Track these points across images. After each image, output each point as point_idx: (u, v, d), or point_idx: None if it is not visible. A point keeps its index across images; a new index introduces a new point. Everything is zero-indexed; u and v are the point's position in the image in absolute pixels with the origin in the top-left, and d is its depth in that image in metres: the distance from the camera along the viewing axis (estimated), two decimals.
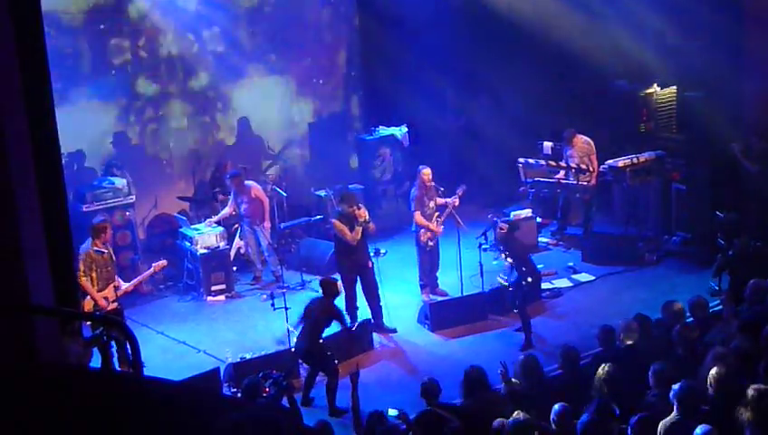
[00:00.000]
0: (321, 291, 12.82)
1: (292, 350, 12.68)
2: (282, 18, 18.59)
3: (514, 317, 14.29)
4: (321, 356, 12.39)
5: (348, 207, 14.03)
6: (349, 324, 13.22)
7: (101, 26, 16.78)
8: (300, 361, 13.10)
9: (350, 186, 17.76)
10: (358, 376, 10.53)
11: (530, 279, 13.78)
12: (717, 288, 13.11)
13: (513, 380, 9.94)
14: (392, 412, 9.69)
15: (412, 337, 14.18)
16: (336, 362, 12.41)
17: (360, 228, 13.91)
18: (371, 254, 14.23)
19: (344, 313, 13.08)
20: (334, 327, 12.84)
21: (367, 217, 14.02)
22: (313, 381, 12.55)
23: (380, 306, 14.28)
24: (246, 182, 16.18)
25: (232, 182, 16.11)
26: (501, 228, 14.07)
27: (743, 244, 12.82)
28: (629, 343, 10.54)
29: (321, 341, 12.50)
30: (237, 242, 16.47)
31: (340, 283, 13.15)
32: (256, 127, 18.63)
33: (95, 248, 12.81)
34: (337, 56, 19.47)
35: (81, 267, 12.52)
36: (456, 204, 14.98)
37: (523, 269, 13.81)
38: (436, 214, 14.95)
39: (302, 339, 12.52)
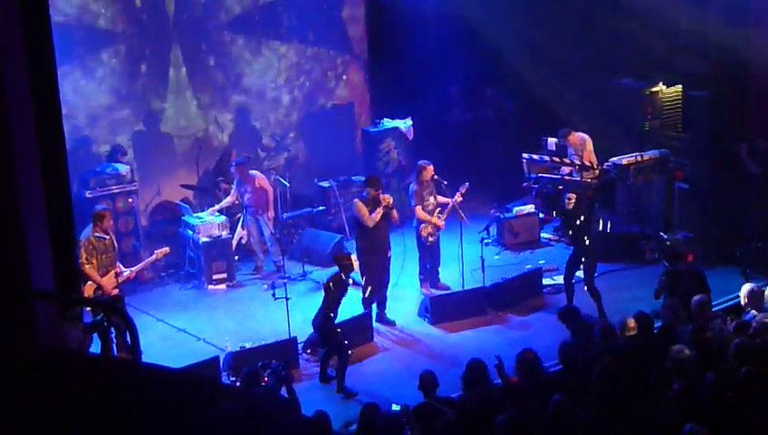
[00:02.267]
0: (337, 266, 12.94)
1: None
2: (289, 10, 18.60)
3: (514, 312, 14.38)
4: (332, 335, 12.54)
5: (374, 190, 14.09)
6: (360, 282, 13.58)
7: (102, 10, 16.77)
8: (305, 349, 13.23)
9: (352, 177, 17.78)
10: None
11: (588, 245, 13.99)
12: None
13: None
14: (395, 408, 9.72)
15: (412, 330, 14.20)
16: (347, 342, 12.57)
17: (381, 211, 13.94)
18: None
19: (356, 278, 13.25)
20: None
21: (391, 203, 14.06)
22: (329, 359, 12.70)
23: (386, 297, 14.36)
24: (251, 172, 16.19)
25: (236, 171, 16.12)
26: (569, 199, 14.10)
27: (685, 266, 12.82)
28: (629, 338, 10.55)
29: (334, 318, 12.70)
30: (240, 231, 16.47)
31: (354, 257, 13.20)
32: (259, 116, 18.64)
33: (96, 235, 12.81)
34: (343, 48, 19.45)
35: (83, 254, 12.51)
36: (459, 201, 14.98)
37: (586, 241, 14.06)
38: (438, 210, 14.96)
39: (318, 316, 12.67)
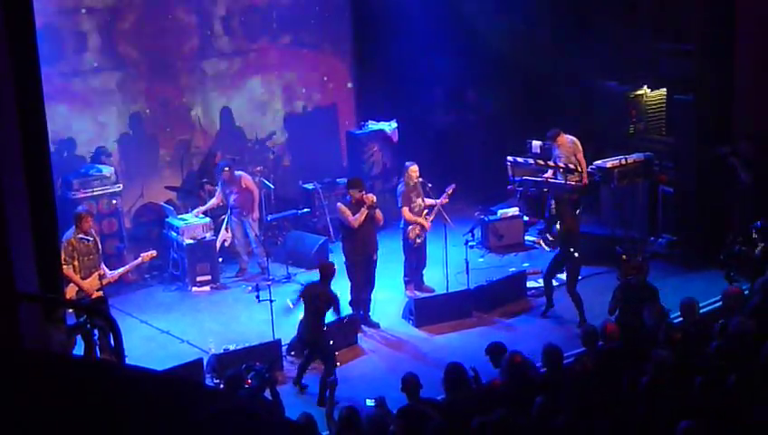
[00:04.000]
0: (319, 274, 12.87)
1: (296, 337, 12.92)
2: (274, 9, 18.58)
3: (499, 315, 14.41)
4: (324, 344, 12.53)
5: (357, 191, 14.08)
6: (341, 314, 13.18)
7: (83, 10, 16.70)
8: (289, 352, 13.21)
9: (337, 179, 17.77)
10: (336, 383, 10.54)
11: (576, 254, 14.10)
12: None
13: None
14: (369, 402, 9.75)
15: (396, 332, 14.21)
16: (336, 353, 12.65)
17: (366, 212, 13.95)
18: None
19: (338, 300, 12.96)
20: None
21: (374, 202, 14.06)
22: (307, 366, 12.64)
23: (370, 299, 14.38)
24: (236, 172, 16.16)
25: (222, 172, 16.07)
26: (554, 205, 14.16)
27: (638, 280, 12.83)
28: (611, 344, 10.58)
29: (324, 328, 12.68)
30: (224, 233, 16.43)
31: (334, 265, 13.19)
32: (243, 118, 18.59)
33: (79, 236, 12.77)
34: (328, 50, 19.44)
35: (63, 255, 12.44)
36: (445, 202, 15.00)
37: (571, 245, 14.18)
38: (425, 212, 14.98)
39: (304, 326, 12.65)
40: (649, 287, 12.54)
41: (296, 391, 12.58)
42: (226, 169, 16.04)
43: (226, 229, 16.42)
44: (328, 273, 12.79)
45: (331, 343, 12.67)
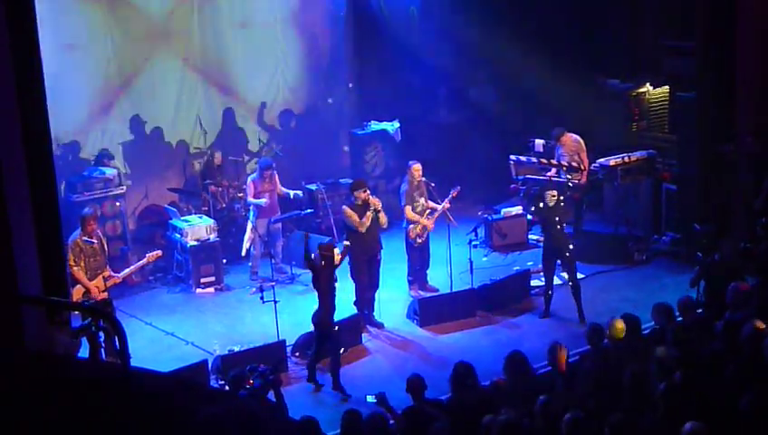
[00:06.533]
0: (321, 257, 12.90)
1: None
2: (275, 11, 18.58)
3: (503, 314, 14.41)
4: (334, 331, 12.64)
5: (362, 192, 14.06)
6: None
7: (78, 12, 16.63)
8: (294, 352, 13.22)
9: (340, 180, 17.75)
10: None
11: (571, 247, 14.15)
12: (697, 298, 13.08)
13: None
14: (370, 398, 9.74)
15: (401, 332, 14.20)
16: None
17: (371, 215, 13.95)
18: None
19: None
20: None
21: (379, 206, 14.06)
22: (337, 363, 12.65)
23: (374, 299, 14.37)
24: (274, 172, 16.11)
25: (266, 171, 15.97)
26: (553, 195, 14.16)
27: (722, 255, 12.81)
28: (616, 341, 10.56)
29: (334, 310, 12.78)
30: (249, 235, 16.21)
31: (338, 250, 13.17)
32: (245, 118, 18.58)
33: (84, 238, 12.81)
34: (329, 50, 19.42)
35: (71, 256, 12.52)
36: (447, 206, 14.99)
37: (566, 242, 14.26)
38: (427, 212, 14.97)
39: (320, 311, 12.69)
40: (728, 265, 12.52)
41: (311, 389, 12.61)
42: (265, 168, 15.98)
43: (252, 231, 16.23)
44: (327, 254, 12.85)
45: (336, 328, 12.74)
